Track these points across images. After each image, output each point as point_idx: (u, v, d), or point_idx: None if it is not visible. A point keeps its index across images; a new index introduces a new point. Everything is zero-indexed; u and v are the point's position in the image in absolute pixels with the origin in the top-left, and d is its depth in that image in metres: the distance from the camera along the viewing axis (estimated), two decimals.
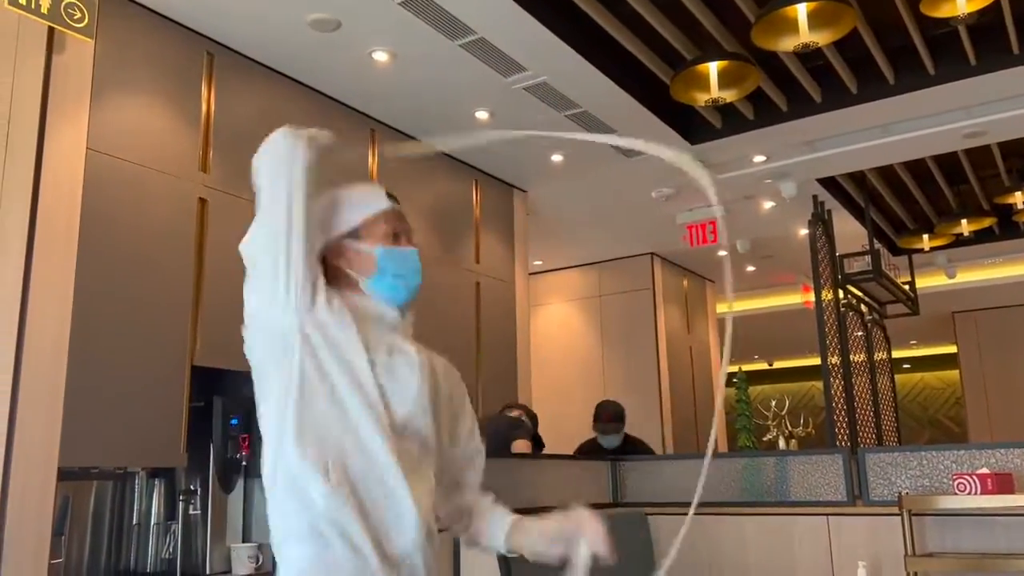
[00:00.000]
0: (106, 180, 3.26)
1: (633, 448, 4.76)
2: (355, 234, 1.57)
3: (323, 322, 1.44)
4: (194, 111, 3.66)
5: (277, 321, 1.45)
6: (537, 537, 1.56)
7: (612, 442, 4.68)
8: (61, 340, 3.01)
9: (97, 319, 3.14)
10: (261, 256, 1.51)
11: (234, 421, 3.67)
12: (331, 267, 1.56)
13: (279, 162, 1.51)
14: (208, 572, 3.52)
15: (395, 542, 1.37)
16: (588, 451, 4.85)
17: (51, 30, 3.07)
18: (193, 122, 3.64)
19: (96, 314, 3.13)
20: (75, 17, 3.03)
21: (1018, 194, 5.96)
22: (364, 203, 1.61)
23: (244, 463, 3.68)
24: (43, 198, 3.09)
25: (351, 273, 1.55)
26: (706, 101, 4.01)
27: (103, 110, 3.29)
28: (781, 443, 6.76)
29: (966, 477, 2.80)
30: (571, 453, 4.88)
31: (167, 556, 3.54)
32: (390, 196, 1.64)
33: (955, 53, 4.43)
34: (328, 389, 1.41)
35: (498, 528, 1.60)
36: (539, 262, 7.77)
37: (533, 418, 4.53)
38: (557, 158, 5.29)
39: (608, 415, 4.70)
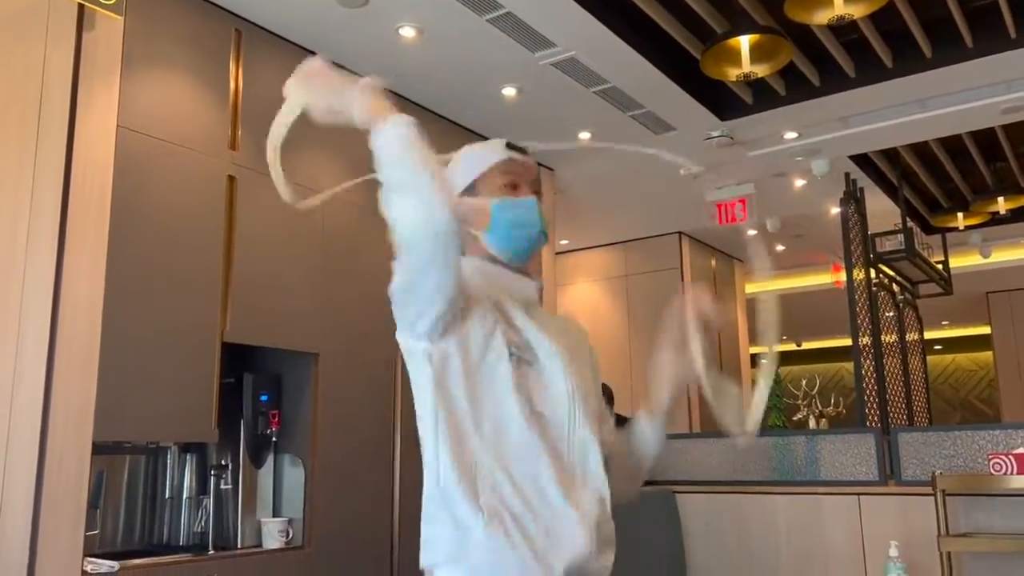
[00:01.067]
0: (136, 157, 3.28)
1: (622, 427, 4.71)
2: (471, 189, 1.55)
3: (466, 335, 1.41)
4: (222, 88, 3.66)
5: (418, 349, 1.46)
6: (664, 396, 1.60)
7: None
8: (94, 317, 3.05)
9: (129, 296, 3.17)
10: (402, 301, 1.46)
11: (264, 397, 3.70)
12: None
13: (419, 234, 1.32)
14: (240, 546, 3.57)
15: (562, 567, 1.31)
16: None
17: (81, 7, 3.08)
18: (222, 99, 3.65)
19: (128, 291, 3.17)
20: None
21: None
22: (480, 157, 1.58)
23: (274, 439, 3.72)
24: (75, 176, 3.13)
25: (468, 230, 1.52)
26: (737, 76, 3.95)
27: (133, 88, 3.31)
28: (811, 422, 6.71)
29: (1002, 457, 2.76)
30: None
31: (199, 530, 3.60)
32: (513, 147, 1.59)
33: (995, 25, 4.32)
34: (476, 417, 1.38)
35: (640, 435, 1.63)
36: (565, 241, 7.73)
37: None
38: (585, 135, 5.24)
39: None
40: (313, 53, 4.44)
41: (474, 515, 1.31)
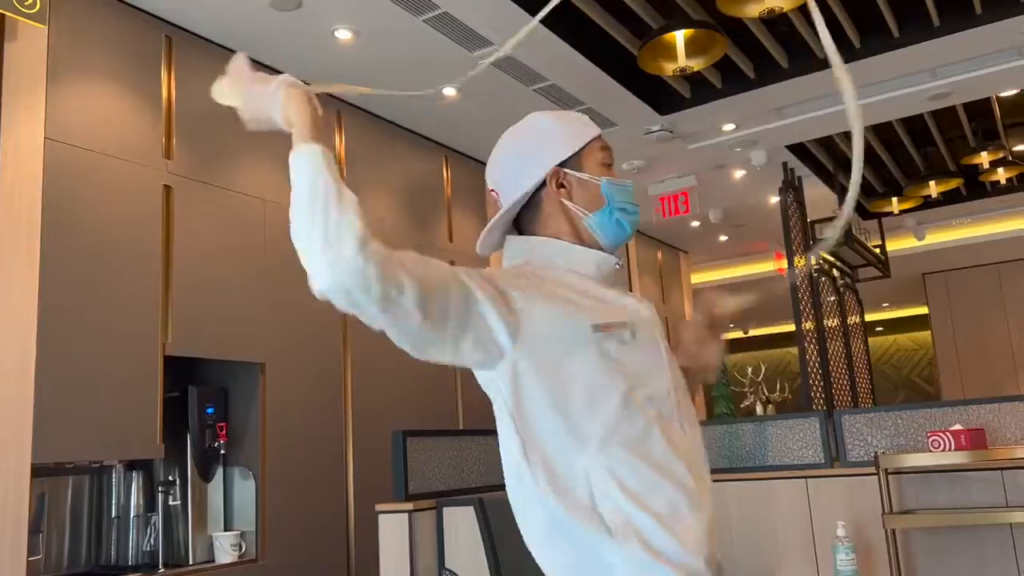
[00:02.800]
0: (67, 170, 3.19)
1: None
2: (574, 162, 1.35)
3: (533, 341, 1.23)
4: (155, 97, 3.58)
5: (486, 379, 1.38)
6: None
7: None
8: (28, 336, 2.96)
9: (64, 313, 3.08)
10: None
11: (210, 410, 3.64)
12: (539, 208, 1.37)
13: (332, 282, 1.20)
14: (191, 562, 3.50)
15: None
16: None
17: (1, 16, 2.98)
18: (154, 108, 3.57)
19: (63, 308, 3.08)
20: (26, 3, 2.95)
21: (984, 154, 6.02)
22: (578, 127, 1.39)
23: (222, 451, 3.66)
24: (2, 191, 3.03)
25: (571, 207, 1.34)
26: (674, 71, 3.99)
27: (60, 98, 3.22)
28: (758, 409, 6.83)
29: (940, 434, 2.84)
30: None
31: (148, 548, 3.52)
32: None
33: (919, 15, 4.44)
34: (573, 428, 1.21)
35: None
36: None
37: None
38: None
39: None
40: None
41: (603, 539, 1.16)
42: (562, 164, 1.36)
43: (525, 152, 1.39)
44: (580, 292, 1.29)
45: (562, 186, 1.35)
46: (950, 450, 2.80)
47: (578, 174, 1.35)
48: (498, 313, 1.23)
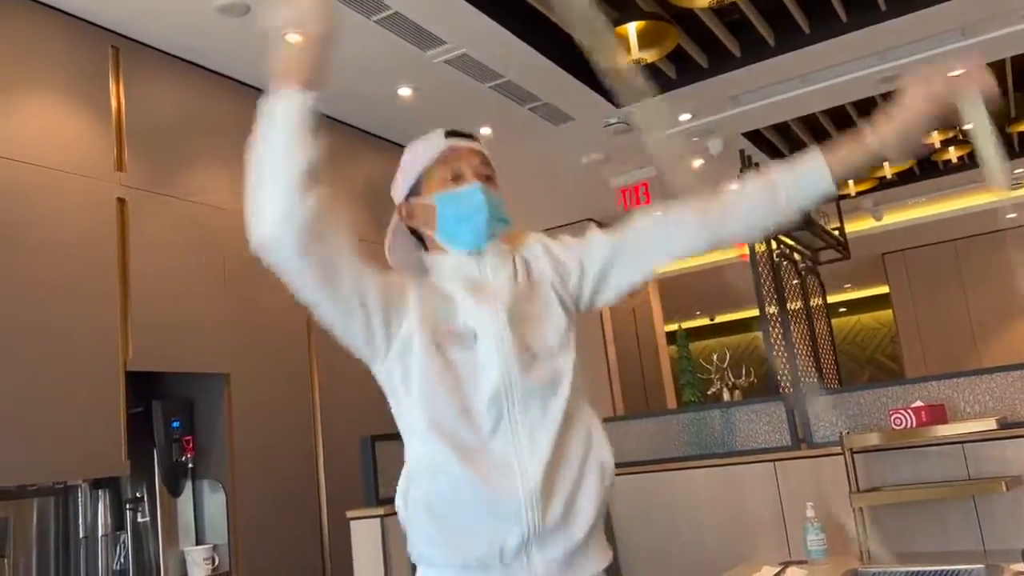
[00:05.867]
0: (16, 187, 3.13)
1: None
2: (416, 190, 1.49)
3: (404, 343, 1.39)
4: (104, 108, 3.52)
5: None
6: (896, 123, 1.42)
7: None
8: None
9: (20, 332, 3.02)
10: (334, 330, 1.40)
11: (175, 424, 3.59)
12: (414, 232, 1.53)
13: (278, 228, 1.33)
14: None
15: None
16: None
17: None
18: (104, 120, 3.51)
19: (18, 327, 3.02)
20: None
21: (935, 134, 6.13)
22: (419, 155, 1.50)
23: (190, 465, 3.61)
24: None
25: (424, 231, 1.50)
26: (627, 63, 4.01)
27: (4, 113, 3.15)
28: (725, 395, 6.90)
29: (901, 412, 2.89)
30: None
31: (118, 567, 3.47)
32: (454, 133, 1.51)
33: (866, 0, 4.51)
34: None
35: (807, 171, 1.44)
36: None
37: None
38: (486, 131, 5.24)
39: None
40: (197, 66, 4.29)
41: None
42: (409, 195, 1.50)
43: (393, 190, 1.56)
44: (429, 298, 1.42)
45: (410, 215, 1.50)
46: (911, 427, 2.85)
47: (420, 199, 1.48)
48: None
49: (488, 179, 1.48)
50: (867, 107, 6.12)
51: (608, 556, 1.42)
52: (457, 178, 1.46)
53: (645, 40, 3.93)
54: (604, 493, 1.40)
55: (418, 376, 1.35)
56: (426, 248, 1.53)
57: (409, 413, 1.39)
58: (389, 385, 1.42)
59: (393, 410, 1.44)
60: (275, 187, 1.28)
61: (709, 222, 1.49)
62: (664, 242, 1.51)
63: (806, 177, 1.45)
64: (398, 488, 1.43)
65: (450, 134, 1.49)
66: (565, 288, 1.49)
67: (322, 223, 1.31)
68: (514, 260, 1.48)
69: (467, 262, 1.46)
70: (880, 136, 1.42)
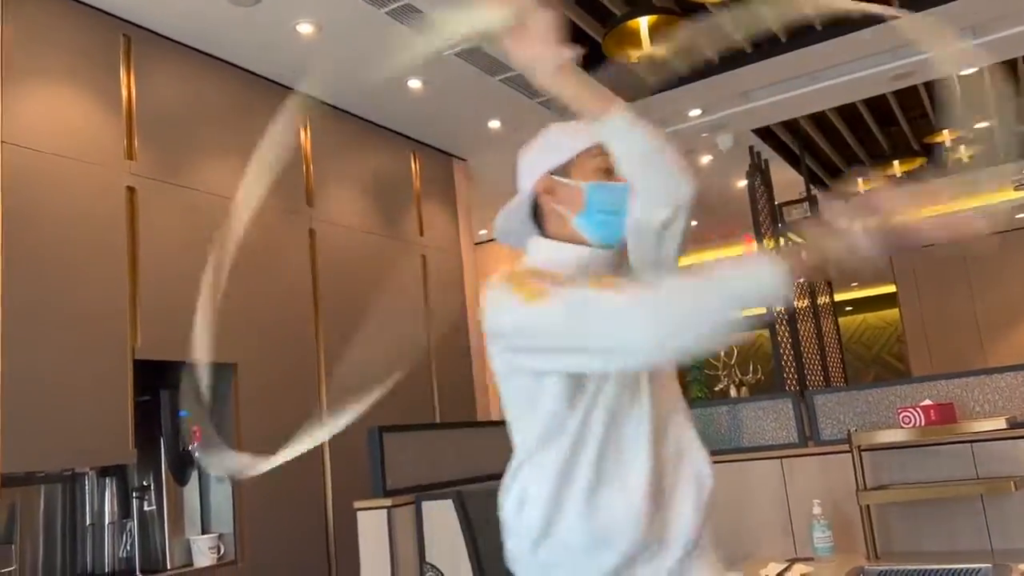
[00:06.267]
0: (26, 174, 3.13)
1: None
2: (564, 169, 1.46)
3: None
4: (114, 97, 3.52)
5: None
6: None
7: None
8: None
9: (29, 320, 3.03)
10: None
11: (183, 413, 3.59)
12: (539, 206, 1.49)
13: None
14: (169, 567, 3.47)
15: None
16: None
17: None
18: (115, 108, 3.51)
19: (28, 315, 3.02)
20: None
21: (946, 132, 6.10)
22: (574, 136, 1.46)
23: (196, 454, 3.62)
24: None
25: (558, 208, 1.46)
26: (639, 57, 4.00)
27: (16, 101, 3.15)
28: (732, 391, 6.89)
29: (910, 410, 2.87)
30: None
31: (124, 555, 3.48)
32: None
33: None
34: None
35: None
36: (484, 231, 7.72)
37: None
38: (494, 124, 5.24)
39: None
40: (208, 55, 4.28)
41: None
42: (554, 171, 1.46)
43: (528, 160, 1.52)
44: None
45: (550, 191, 1.46)
46: (920, 425, 2.84)
47: (565, 180, 1.45)
48: None
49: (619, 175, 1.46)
50: (877, 104, 6.10)
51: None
52: (609, 172, 1.43)
53: (657, 34, 3.91)
54: (703, 507, 1.37)
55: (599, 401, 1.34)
56: (540, 229, 1.50)
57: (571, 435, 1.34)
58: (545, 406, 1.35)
59: (535, 431, 1.37)
60: (700, 333, 1.18)
61: None
62: None
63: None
64: (526, 524, 1.35)
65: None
66: None
67: None
68: None
69: (606, 257, 1.44)
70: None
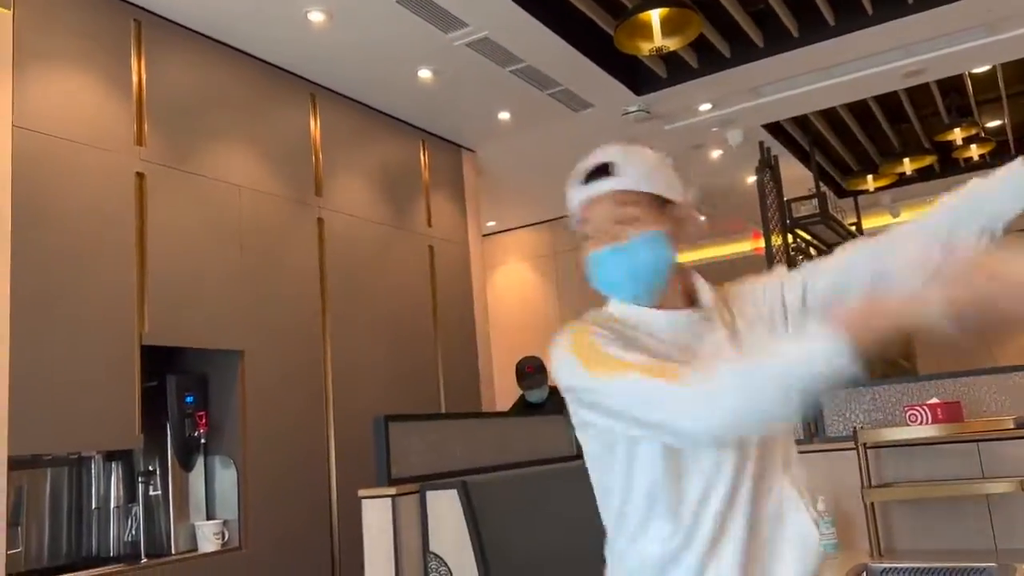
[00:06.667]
0: (37, 158, 3.14)
1: (560, 398, 4.75)
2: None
3: None
4: (125, 82, 3.52)
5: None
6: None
7: (540, 396, 4.65)
8: (1, 326, 2.92)
9: (37, 303, 3.04)
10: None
11: (189, 399, 3.61)
12: None
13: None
14: (174, 552, 3.48)
15: None
16: (517, 412, 4.76)
17: None
18: (125, 94, 3.51)
19: (36, 298, 3.03)
20: None
21: (957, 131, 6.06)
22: (570, 196, 1.32)
23: (203, 440, 3.63)
24: None
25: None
26: (650, 50, 3.98)
27: (28, 86, 3.16)
28: None
29: (917, 408, 2.86)
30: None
31: (130, 539, 3.49)
32: (589, 174, 1.29)
33: None
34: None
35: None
36: (492, 223, 7.72)
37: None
38: (504, 116, 5.23)
39: (532, 368, 4.65)
40: (219, 42, 4.25)
41: None
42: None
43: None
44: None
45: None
46: (927, 423, 2.83)
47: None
48: None
49: (623, 223, 1.26)
50: (889, 101, 6.06)
51: None
52: (590, 238, 1.29)
53: (669, 27, 3.89)
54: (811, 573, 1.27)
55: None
56: None
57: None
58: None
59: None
60: (761, 418, 1.11)
61: (877, 252, 1.29)
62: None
63: (1008, 184, 1.27)
64: None
65: (588, 177, 1.29)
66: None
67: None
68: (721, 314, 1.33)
69: (667, 318, 1.29)
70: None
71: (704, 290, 1.34)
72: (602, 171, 1.27)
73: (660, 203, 1.28)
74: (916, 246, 1.25)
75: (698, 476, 1.22)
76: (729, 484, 1.23)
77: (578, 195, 1.29)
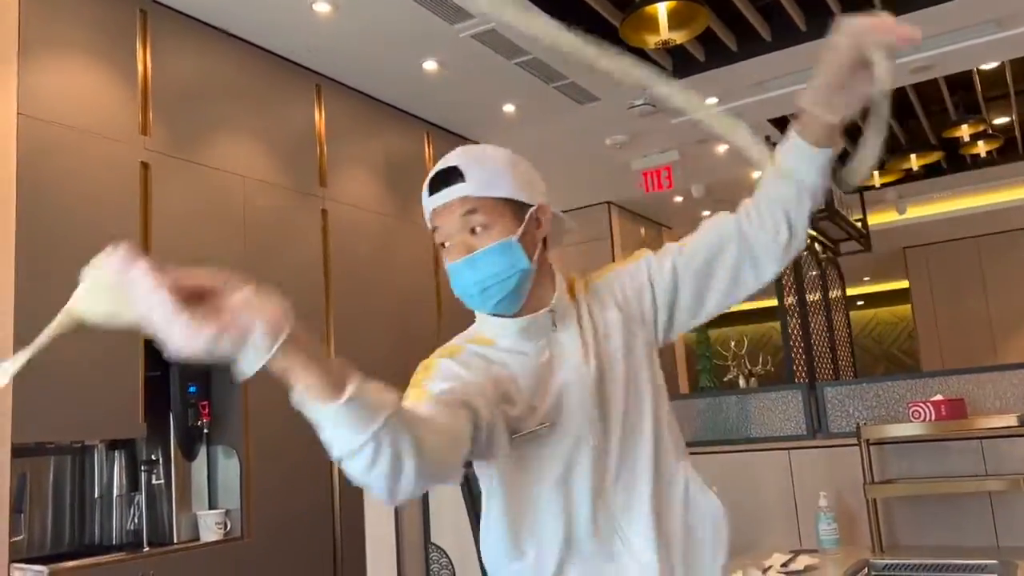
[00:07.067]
0: (41, 146, 3.14)
1: None
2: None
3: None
4: (130, 72, 3.52)
5: None
6: (819, 107, 1.22)
7: None
8: (4, 315, 2.92)
9: (41, 291, 3.04)
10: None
11: (192, 389, 3.61)
12: None
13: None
14: (176, 541, 3.49)
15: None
16: None
17: None
18: (130, 83, 3.51)
19: (39, 285, 3.04)
20: None
21: (964, 127, 6.04)
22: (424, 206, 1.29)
23: (205, 430, 3.64)
24: None
25: None
26: (656, 43, 3.97)
27: (33, 74, 3.15)
28: (741, 382, 6.88)
29: (920, 405, 2.86)
30: None
31: (132, 527, 3.50)
32: (433, 182, 1.25)
33: None
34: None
35: (790, 159, 1.26)
36: None
37: None
38: (509, 108, 5.22)
39: None
40: (224, 32, 4.25)
41: None
42: None
43: None
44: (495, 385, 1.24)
45: None
46: (930, 420, 2.82)
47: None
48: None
49: (473, 231, 1.22)
50: (896, 97, 6.04)
51: None
52: (443, 245, 1.26)
53: (675, 21, 3.87)
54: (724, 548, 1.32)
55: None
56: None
57: None
58: None
59: None
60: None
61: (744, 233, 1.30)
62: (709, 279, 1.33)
63: (795, 152, 1.28)
64: None
65: (432, 185, 1.25)
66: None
67: (427, 472, 1.06)
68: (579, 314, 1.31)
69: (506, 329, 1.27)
70: (806, 96, 1.25)
71: (559, 286, 1.31)
72: (447, 178, 1.23)
73: (512, 206, 1.24)
74: (767, 200, 1.29)
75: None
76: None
77: (427, 204, 1.26)
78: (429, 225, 1.28)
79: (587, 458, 1.23)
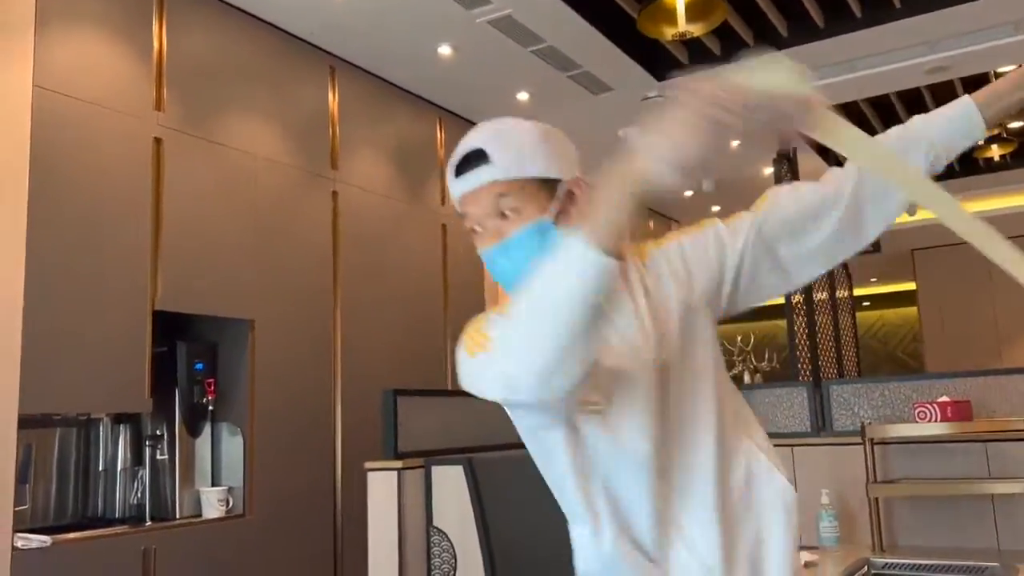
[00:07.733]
0: (56, 119, 3.14)
1: None
2: None
3: None
4: (146, 47, 3.52)
5: None
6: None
7: None
8: (15, 287, 2.93)
9: (52, 264, 3.05)
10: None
11: (199, 366, 3.62)
12: None
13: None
14: (178, 516, 3.51)
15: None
16: None
17: None
18: (145, 59, 3.51)
19: (51, 259, 3.05)
20: None
21: None
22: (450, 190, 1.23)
23: (211, 407, 3.65)
24: None
25: None
26: (673, 35, 3.95)
27: (49, 46, 3.15)
28: (747, 377, 6.88)
29: (926, 405, 2.85)
30: None
31: (135, 501, 3.53)
32: (460, 164, 1.18)
33: None
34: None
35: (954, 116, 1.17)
36: None
37: None
38: (523, 96, 5.20)
39: None
40: (241, 10, 4.23)
41: None
42: None
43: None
44: None
45: None
46: (935, 421, 2.82)
47: None
48: None
49: (503, 215, 1.16)
50: (910, 97, 6.00)
51: None
52: (474, 231, 1.21)
53: (693, 13, 3.86)
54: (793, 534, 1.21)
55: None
56: None
57: None
58: None
59: None
60: (557, 348, 0.97)
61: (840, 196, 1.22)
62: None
63: (955, 123, 1.18)
64: None
65: (457, 168, 1.18)
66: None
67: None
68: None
69: None
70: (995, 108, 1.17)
71: None
72: (472, 160, 1.16)
73: (544, 184, 1.17)
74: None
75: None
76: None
77: (453, 188, 1.19)
78: (458, 209, 1.21)
79: (646, 444, 1.16)
